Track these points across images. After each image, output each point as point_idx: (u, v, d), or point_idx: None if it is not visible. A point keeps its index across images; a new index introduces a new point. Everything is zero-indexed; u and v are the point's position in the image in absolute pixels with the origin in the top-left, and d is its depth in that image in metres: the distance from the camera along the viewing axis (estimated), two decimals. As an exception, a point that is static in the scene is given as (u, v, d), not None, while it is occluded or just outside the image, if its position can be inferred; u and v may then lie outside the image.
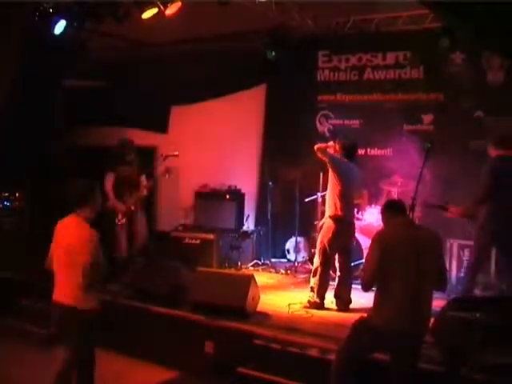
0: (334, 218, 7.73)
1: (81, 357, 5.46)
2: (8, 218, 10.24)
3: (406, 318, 5.04)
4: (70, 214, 5.51)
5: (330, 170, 7.80)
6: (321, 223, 8.55)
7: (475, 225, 7.45)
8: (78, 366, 5.48)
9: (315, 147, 7.74)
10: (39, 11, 9.30)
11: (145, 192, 9.00)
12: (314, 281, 7.86)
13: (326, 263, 7.83)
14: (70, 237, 5.35)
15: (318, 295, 7.78)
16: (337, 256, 7.92)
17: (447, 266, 7.20)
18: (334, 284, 8.01)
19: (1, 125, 10.35)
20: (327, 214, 7.88)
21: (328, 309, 7.77)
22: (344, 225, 7.78)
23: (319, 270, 7.81)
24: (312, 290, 7.85)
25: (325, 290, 7.83)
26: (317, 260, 7.87)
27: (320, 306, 7.75)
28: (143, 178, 9.07)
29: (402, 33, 9.93)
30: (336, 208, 7.72)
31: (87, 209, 5.48)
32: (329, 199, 7.89)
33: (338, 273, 7.97)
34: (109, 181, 8.92)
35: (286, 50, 10.54)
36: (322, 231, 8.00)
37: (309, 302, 7.80)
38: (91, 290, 5.34)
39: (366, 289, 5.38)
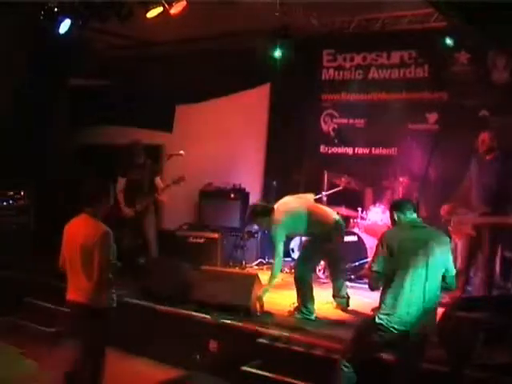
0: None
1: (92, 356, 5.45)
2: (13, 217, 10.24)
3: (412, 319, 5.01)
4: (80, 213, 5.52)
5: None
6: None
7: None
8: (88, 365, 5.47)
9: None
10: (44, 11, 9.30)
11: (162, 195, 8.95)
12: None
13: None
14: (85, 236, 5.33)
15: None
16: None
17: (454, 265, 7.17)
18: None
19: (7, 124, 10.37)
20: None
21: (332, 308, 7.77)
22: None
23: None
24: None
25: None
26: None
27: None
28: (159, 181, 9.04)
29: (406, 32, 9.89)
30: None
31: (101, 208, 5.50)
32: None
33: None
34: (119, 185, 8.93)
35: (290, 49, 10.50)
36: None
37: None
38: (106, 289, 5.37)
39: (372, 288, 5.39)
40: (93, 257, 5.24)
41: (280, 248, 7.28)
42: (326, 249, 7.52)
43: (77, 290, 5.40)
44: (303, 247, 8.28)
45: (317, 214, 7.48)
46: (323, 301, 7.97)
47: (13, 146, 10.60)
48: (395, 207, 5.51)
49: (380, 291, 5.29)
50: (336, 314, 7.53)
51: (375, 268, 5.25)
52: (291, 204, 7.59)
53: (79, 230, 5.42)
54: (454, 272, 5.27)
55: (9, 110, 10.58)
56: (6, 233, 10.02)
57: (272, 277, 7.37)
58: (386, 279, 5.16)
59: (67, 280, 5.50)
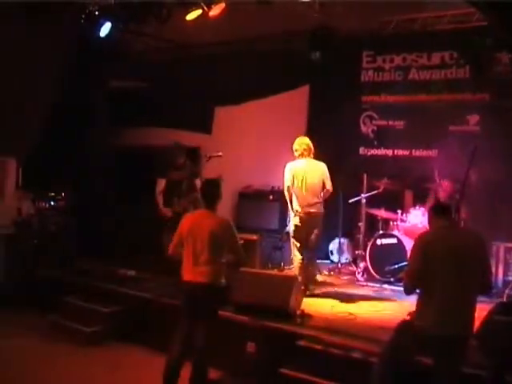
0: None
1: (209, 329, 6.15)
2: (54, 218, 10.41)
3: (449, 321, 5.01)
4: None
5: None
6: None
7: None
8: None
9: None
10: (85, 14, 9.49)
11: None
12: None
13: None
14: (212, 225, 6.13)
15: None
16: None
17: (493, 269, 7.14)
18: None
19: (45, 124, 10.56)
20: None
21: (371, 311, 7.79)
22: None
23: None
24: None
25: None
26: None
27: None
28: (198, 182, 9.13)
29: (447, 32, 9.85)
30: None
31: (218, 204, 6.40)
32: None
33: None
34: (159, 186, 9.07)
35: (329, 51, 10.51)
36: None
37: None
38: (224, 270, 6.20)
39: (407, 291, 5.36)
40: (221, 242, 6.12)
41: None
42: None
43: (199, 271, 6.08)
44: None
45: None
46: (364, 303, 8.00)
47: (54, 146, 10.81)
48: (432, 210, 5.52)
49: (417, 294, 5.30)
50: (375, 317, 7.52)
51: (410, 271, 5.27)
52: None
53: (205, 221, 6.18)
54: (491, 275, 5.26)
55: (50, 111, 10.78)
56: (49, 233, 10.21)
57: None
58: (422, 283, 5.16)
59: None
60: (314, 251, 8.80)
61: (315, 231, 8.38)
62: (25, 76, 10.11)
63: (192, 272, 6.11)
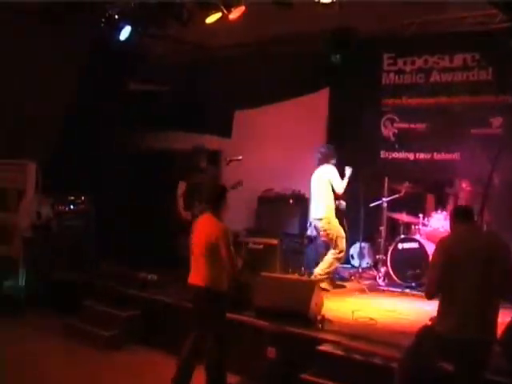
0: None
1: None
2: (74, 221, 10.48)
3: (470, 324, 4.97)
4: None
5: None
6: None
7: None
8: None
9: None
10: (105, 18, 9.56)
11: None
12: None
13: None
14: (206, 230, 6.28)
15: None
16: None
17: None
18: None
19: (64, 126, 10.63)
20: None
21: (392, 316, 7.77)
22: None
23: None
24: None
25: None
26: None
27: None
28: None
29: (469, 34, 9.77)
30: None
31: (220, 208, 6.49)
32: None
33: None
34: (180, 189, 9.10)
35: (349, 53, 10.49)
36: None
37: None
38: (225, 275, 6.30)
39: (428, 296, 5.34)
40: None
41: None
42: None
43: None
44: None
45: None
46: (385, 309, 7.98)
47: (75, 150, 10.88)
48: (454, 214, 5.50)
49: (439, 299, 5.28)
50: (396, 322, 7.49)
51: (431, 276, 5.24)
52: None
53: (201, 226, 6.38)
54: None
55: (70, 114, 10.85)
56: (68, 237, 10.28)
57: None
58: (443, 287, 5.13)
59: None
60: None
61: None
62: (43, 78, 10.20)
63: (193, 275, 6.39)
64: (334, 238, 9.06)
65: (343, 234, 9.14)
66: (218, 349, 6.18)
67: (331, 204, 9.17)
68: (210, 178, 9.19)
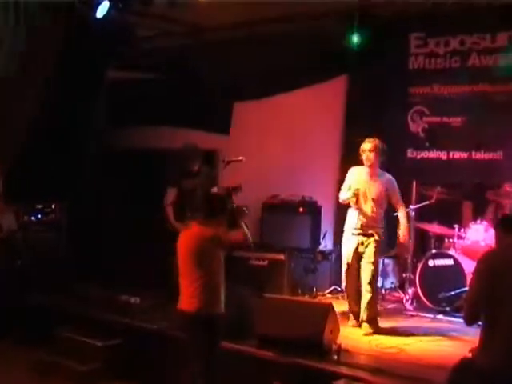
0: None
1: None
2: (41, 234, 10.46)
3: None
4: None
5: None
6: None
7: None
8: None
9: None
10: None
11: None
12: None
13: None
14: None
15: None
16: None
17: None
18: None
19: (35, 125, 10.60)
20: None
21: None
22: None
23: None
24: None
25: None
26: None
27: None
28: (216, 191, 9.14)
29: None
30: None
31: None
32: None
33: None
34: (169, 197, 9.07)
35: (370, 34, 10.47)
36: None
37: None
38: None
39: (468, 322, 5.32)
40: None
41: None
42: None
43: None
44: None
45: None
46: (413, 337, 7.94)
47: (43, 152, 10.84)
48: (500, 225, 5.46)
49: (480, 327, 5.23)
50: (428, 354, 7.44)
51: (470, 298, 5.20)
52: None
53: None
54: None
55: (37, 109, 10.83)
56: (36, 252, 10.24)
57: None
58: (486, 312, 5.09)
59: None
60: None
61: None
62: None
63: (182, 299, 6.40)
64: None
65: None
66: (205, 375, 6.16)
67: None
68: (204, 182, 9.15)
